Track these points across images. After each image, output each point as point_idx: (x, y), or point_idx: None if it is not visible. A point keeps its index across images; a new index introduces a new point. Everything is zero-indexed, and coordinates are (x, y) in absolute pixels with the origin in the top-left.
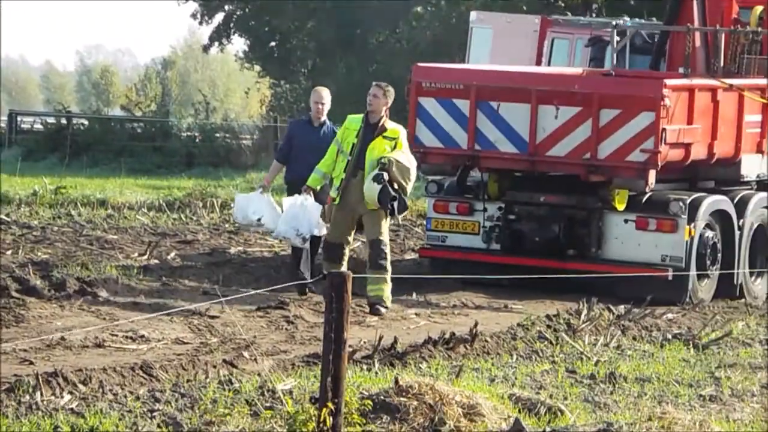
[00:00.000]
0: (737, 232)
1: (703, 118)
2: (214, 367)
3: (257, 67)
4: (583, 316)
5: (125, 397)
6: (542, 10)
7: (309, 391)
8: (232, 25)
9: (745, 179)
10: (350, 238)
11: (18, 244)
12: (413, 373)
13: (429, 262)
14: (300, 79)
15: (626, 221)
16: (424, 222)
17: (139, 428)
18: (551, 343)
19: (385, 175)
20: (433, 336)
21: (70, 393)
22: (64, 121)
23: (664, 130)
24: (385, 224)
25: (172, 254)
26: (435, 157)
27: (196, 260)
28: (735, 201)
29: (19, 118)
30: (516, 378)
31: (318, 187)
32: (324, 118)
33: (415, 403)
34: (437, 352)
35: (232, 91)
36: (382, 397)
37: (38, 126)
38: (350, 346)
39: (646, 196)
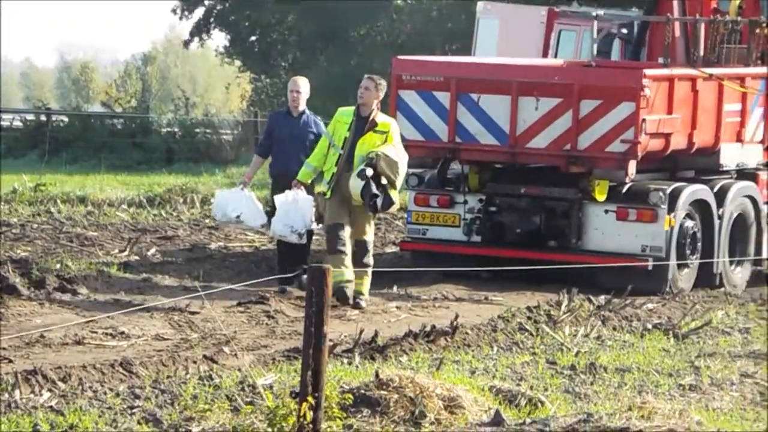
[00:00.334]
0: (717, 222)
1: (683, 107)
2: (195, 362)
3: (238, 62)
4: (563, 307)
5: (105, 394)
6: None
7: (289, 386)
8: (212, 19)
9: (725, 168)
10: (347, 227)
11: None
12: (394, 366)
13: (410, 255)
14: (281, 74)
15: (606, 212)
16: (405, 215)
17: (119, 425)
18: (532, 334)
19: (368, 171)
20: (414, 329)
21: (50, 390)
22: (43, 118)
23: (644, 120)
24: (372, 223)
25: (152, 250)
26: (415, 150)
27: (177, 256)
28: (715, 190)
29: None
30: (496, 370)
31: (309, 181)
32: (302, 107)
33: (396, 396)
34: (418, 345)
35: (212, 86)
36: (362, 391)
37: (17, 123)
38: (331, 340)
39: (626, 186)
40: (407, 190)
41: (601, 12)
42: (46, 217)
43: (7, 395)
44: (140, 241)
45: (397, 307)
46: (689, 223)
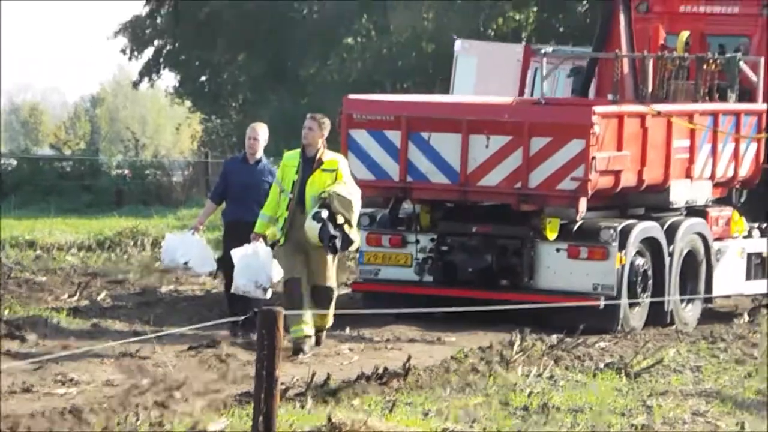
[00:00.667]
0: (667, 259)
1: (633, 144)
2: (146, 408)
3: (188, 103)
4: (515, 347)
5: None
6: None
7: (241, 431)
8: (161, 60)
9: (675, 205)
10: (303, 278)
11: None
12: (346, 409)
13: (362, 296)
14: (231, 114)
15: (558, 250)
16: (357, 255)
17: None
18: (484, 375)
19: (324, 213)
20: (367, 371)
21: None
22: None
23: (594, 157)
24: (332, 266)
25: (103, 294)
26: (367, 190)
27: (127, 300)
28: (665, 228)
29: None
30: (449, 411)
31: (266, 233)
32: (259, 155)
33: None
34: (370, 387)
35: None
36: None
37: None
38: (283, 383)
39: (577, 224)
40: (359, 230)
41: (550, 49)
42: None
43: None
44: (90, 286)
45: (349, 349)
46: (640, 261)
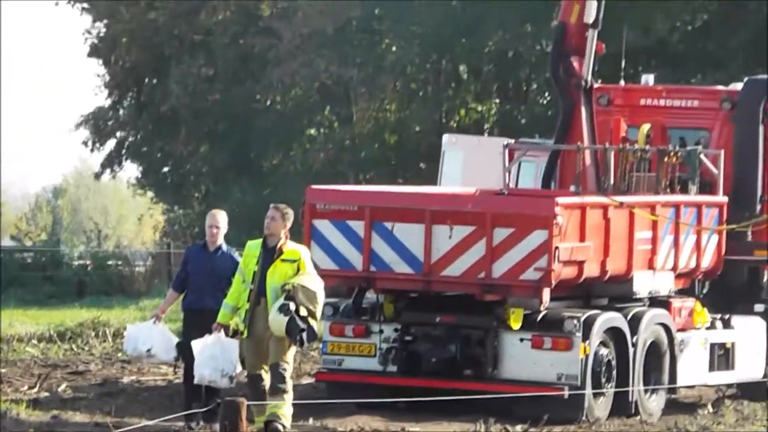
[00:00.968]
0: (631, 349)
1: (596, 235)
2: None
3: (150, 193)
4: None
5: None
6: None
7: None
8: (124, 151)
9: (638, 296)
10: (266, 375)
11: None
12: None
13: (325, 386)
14: (194, 204)
15: (522, 340)
16: (320, 345)
17: None
18: None
19: (291, 305)
20: None
21: None
22: None
23: (557, 248)
24: (291, 350)
25: (63, 386)
26: (330, 280)
27: (88, 391)
28: (628, 318)
29: None
30: None
31: (229, 323)
32: (219, 242)
33: None
34: None
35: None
36: None
37: None
38: None
39: (541, 314)
40: (322, 320)
41: (512, 141)
42: None
43: None
44: (50, 377)
45: None
46: (604, 351)
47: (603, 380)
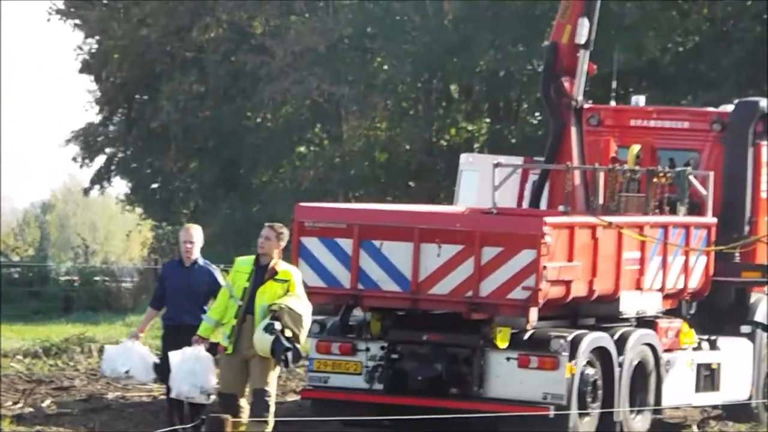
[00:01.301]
0: (617, 370)
1: (583, 255)
2: None
3: (139, 209)
4: None
5: None
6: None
7: None
8: (113, 167)
9: (625, 316)
10: (245, 389)
11: None
12: None
13: (311, 404)
14: (182, 221)
15: (508, 359)
16: (306, 363)
17: None
18: None
19: (277, 325)
20: None
21: None
22: None
23: (545, 267)
24: (274, 374)
25: (48, 401)
26: (317, 297)
27: (73, 407)
28: (615, 338)
29: None
30: None
31: (210, 337)
32: (195, 257)
33: None
34: None
35: (113, 234)
36: None
37: None
38: None
39: (528, 333)
40: (309, 338)
41: (502, 159)
42: None
43: None
44: (35, 392)
45: None
46: (590, 371)
47: (589, 400)
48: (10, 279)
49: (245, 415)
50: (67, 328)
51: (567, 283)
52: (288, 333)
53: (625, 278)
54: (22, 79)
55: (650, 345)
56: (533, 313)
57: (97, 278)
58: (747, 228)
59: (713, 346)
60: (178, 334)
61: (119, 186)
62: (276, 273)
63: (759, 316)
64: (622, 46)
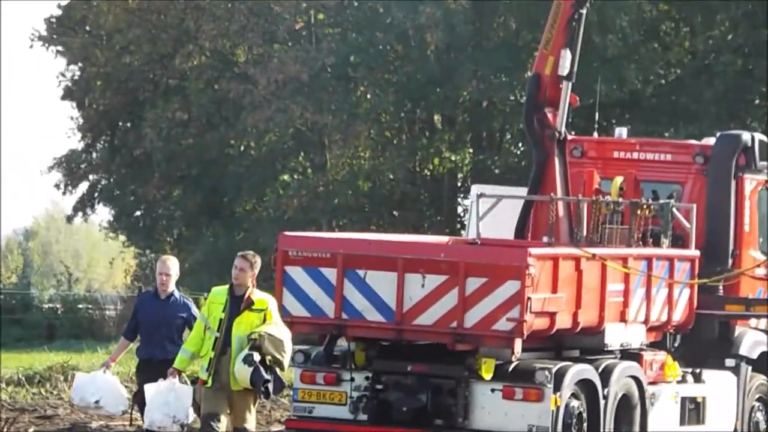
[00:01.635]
0: (602, 402)
1: (568, 287)
2: None
3: (122, 237)
4: None
5: None
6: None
7: None
8: (96, 195)
9: (609, 348)
10: (225, 418)
11: None
12: None
13: None
14: (166, 249)
15: (493, 390)
16: (291, 392)
17: None
18: None
19: (256, 356)
20: None
21: None
22: None
23: (529, 299)
24: (254, 408)
25: (31, 430)
26: (301, 327)
27: None
28: (600, 370)
29: None
30: None
31: (186, 369)
32: (171, 289)
33: None
34: None
35: (96, 261)
36: None
37: None
38: None
39: (513, 365)
40: (293, 367)
41: (487, 190)
42: None
43: None
44: (18, 421)
45: None
46: (575, 403)
47: None
48: None
49: None
50: (50, 356)
51: (551, 315)
52: (269, 360)
53: (610, 310)
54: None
55: (635, 377)
56: (518, 345)
57: (80, 306)
58: (730, 261)
59: (698, 379)
60: (152, 369)
61: (102, 213)
62: (252, 303)
63: (743, 350)
64: (604, 78)
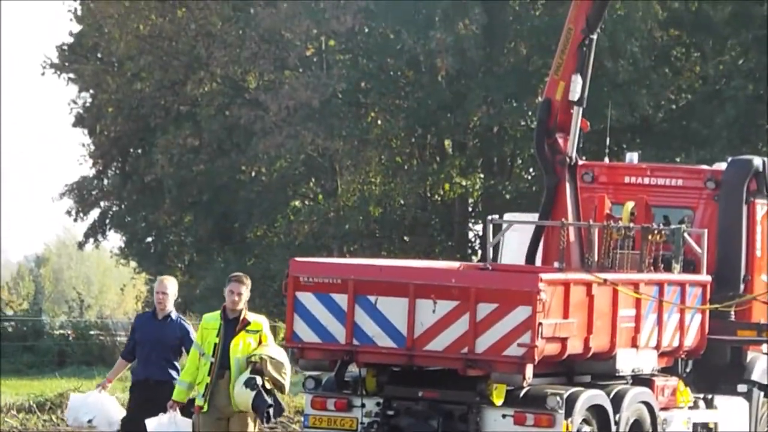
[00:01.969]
0: (614, 427)
1: (579, 312)
2: None
3: (133, 263)
4: None
5: None
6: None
7: None
8: (107, 221)
9: (621, 374)
10: None
11: None
12: None
13: None
14: (177, 275)
15: (504, 416)
16: (302, 419)
17: None
18: None
19: (258, 379)
20: None
21: None
22: None
23: (540, 324)
24: (255, 428)
25: None
26: (312, 352)
27: None
28: (611, 396)
29: None
30: None
31: (185, 400)
32: (169, 309)
33: None
34: None
35: (107, 287)
36: None
37: None
38: None
39: (524, 390)
40: (304, 394)
41: (496, 216)
42: None
43: None
44: None
45: None
46: (586, 429)
47: None
48: (4, 333)
49: None
50: (61, 383)
51: (563, 340)
52: (269, 384)
53: (621, 335)
54: (16, 132)
55: (647, 403)
56: (529, 370)
57: (91, 332)
58: (742, 286)
59: (710, 404)
60: (145, 389)
61: (114, 239)
62: (248, 323)
63: (756, 375)
64: (615, 103)
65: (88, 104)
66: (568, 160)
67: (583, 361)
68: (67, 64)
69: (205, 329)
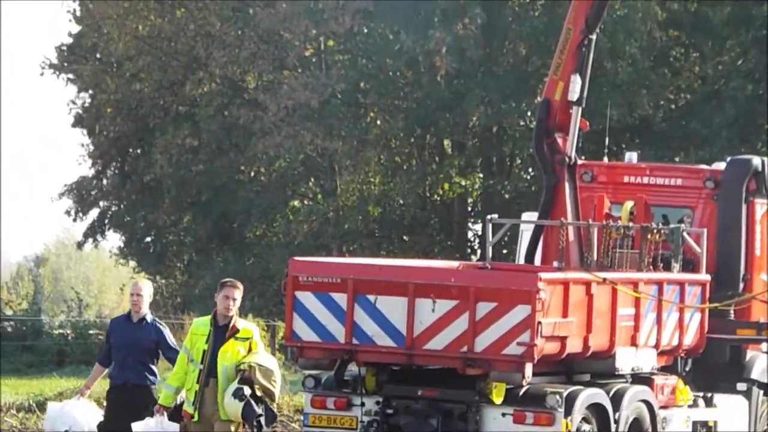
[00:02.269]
0: (613, 426)
1: (578, 311)
2: None
3: (132, 263)
4: None
5: None
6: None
7: None
8: (106, 221)
9: (620, 372)
10: None
11: None
12: None
13: None
14: (176, 274)
15: (504, 415)
16: (302, 417)
17: None
18: None
19: (246, 390)
20: None
21: None
22: None
23: (539, 323)
24: None
25: None
26: (312, 352)
27: None
28: (611, 394)
29: None
30: None
31: (172, 405)
32: (144, 312)
33: None
34: None
35: (106, 287)
36: None
37: None
38: None
39: (523, 389)
40: (304, 392)
41: (495, 216)
42: None
43: None
44: None
45: None
46: (586, 427)
47: None
48: (4, 333)
49: None
50: (60, 382)
51: (562, 339)
52: (259, 392)
53: (620, 334)
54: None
55: (646, 402)
56: (528, 369)
57: (90, 332)
58: (741, 285)
59: (709, 403)
60: (122, 393)
61: (113, 239)
62: (238, 331)
63: (755, 374)
64: (614, 103)
65: (87, 104)
66: (567, 159)
67: (583, 359)
68: (66, 64)
69: (194, 335)
